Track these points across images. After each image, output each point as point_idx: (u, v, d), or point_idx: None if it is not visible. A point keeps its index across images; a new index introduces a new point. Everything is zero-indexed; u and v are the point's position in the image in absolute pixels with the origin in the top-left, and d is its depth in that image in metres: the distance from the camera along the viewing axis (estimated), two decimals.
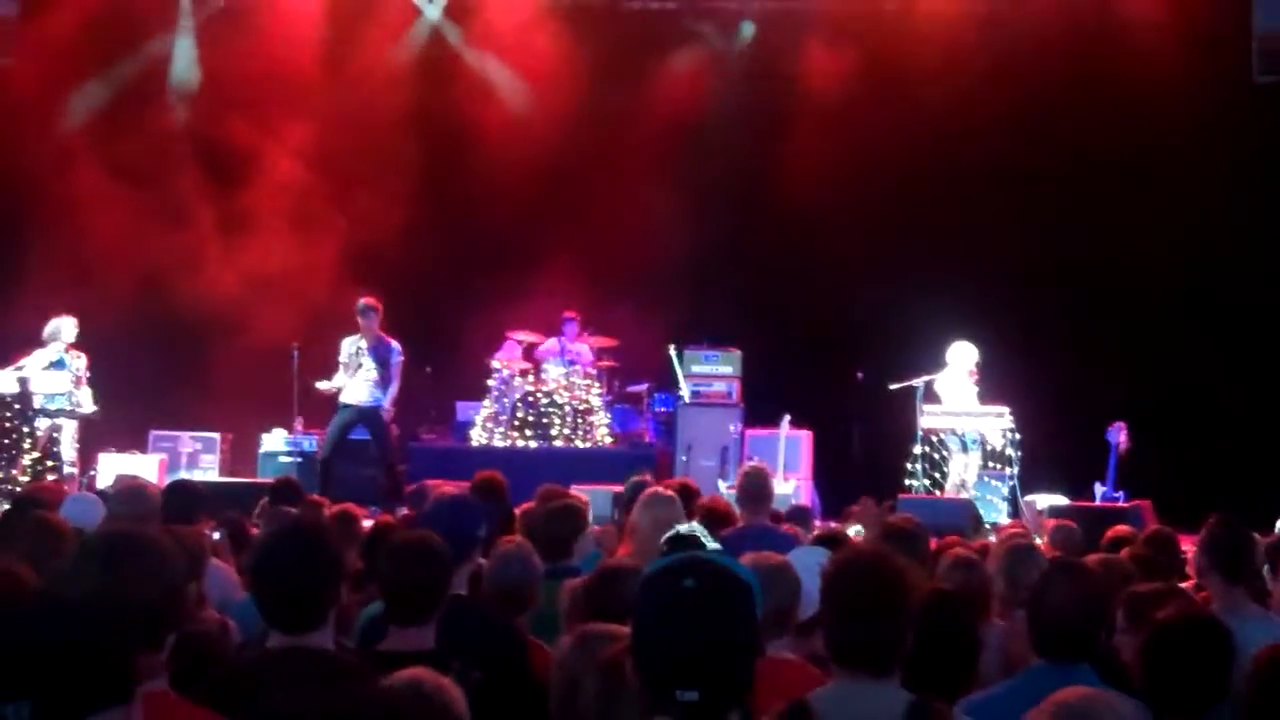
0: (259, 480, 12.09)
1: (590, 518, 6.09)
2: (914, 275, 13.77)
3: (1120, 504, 11.16)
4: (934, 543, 5.89)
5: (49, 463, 11.89)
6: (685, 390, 13.67)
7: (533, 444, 13.24)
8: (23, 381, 11.87)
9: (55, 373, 12.06)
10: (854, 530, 8.14)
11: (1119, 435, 11.73)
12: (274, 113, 14.55)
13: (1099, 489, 11.76)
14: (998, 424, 11.83)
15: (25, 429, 11.81)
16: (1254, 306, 13.80)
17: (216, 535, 6.47)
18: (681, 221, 14.03)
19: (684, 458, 13.29)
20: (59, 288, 12.99)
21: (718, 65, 15.36)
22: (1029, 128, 14.05)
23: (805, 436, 13.21)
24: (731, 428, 13.33)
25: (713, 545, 3.59)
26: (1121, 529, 7.14)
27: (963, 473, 11.92)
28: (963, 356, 12.12)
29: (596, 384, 13.69)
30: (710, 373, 13.68)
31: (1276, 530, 7.72)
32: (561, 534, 5.51)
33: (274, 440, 13.68)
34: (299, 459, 13.33)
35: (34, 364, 12.04)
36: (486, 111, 14.89)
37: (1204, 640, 3.68)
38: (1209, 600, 4.92)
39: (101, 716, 2.20)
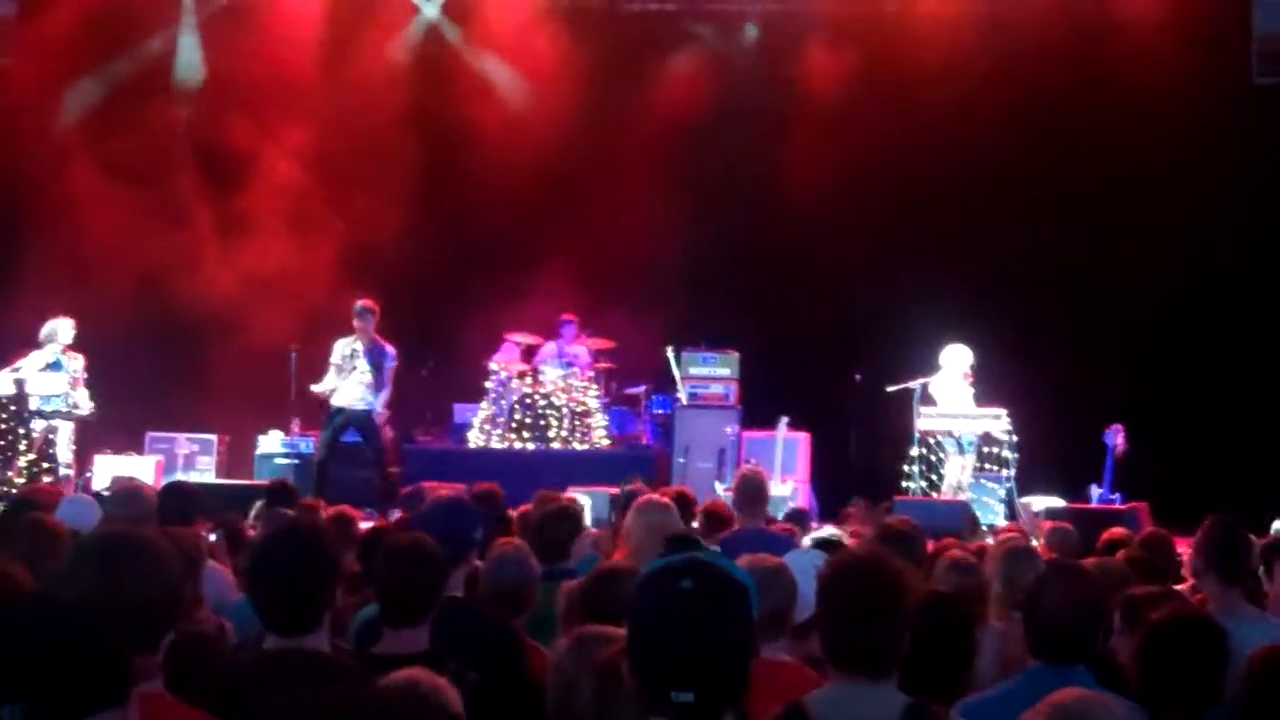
0: (256, 482, 12.07)
1: (588, 520, 6.10)
2: (912, 277, 13.77)
3: (1117, 506, 11.17)
4: (931, 545, 5.90)
5: (45, 464, 11.89)
6: (683, 392, 13.67)
7: (530, 446, 13.24)
8: (19, 383, 11.86)
9: (52, 374, 12.05)
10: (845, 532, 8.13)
11: (1116, 437, 11.74)
12: (272, 113, 14.54)
13: (1095, 491, 11.77)
14: (994, 426, 11.84)
15: (21, 430, 11.80)
16: (1251, 309, 13.80)
17: (213, 537, 6.46)
18: (679, 223, 14.03)
19: (681, 460, 13.28)
20: (56, 288, 12.99)
21: (717, 67, 15.35)
22: (1029, 129, 14.05)
23: (802, 438, 13.20)
24: (729, 429, 13.32)
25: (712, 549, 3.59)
26: (1117, 531, 7.14)
27: (959, 475, 11.92)
28: (956, 359, 12.12)
29: (594, 386, 13.69)
30: (708, 375, 13.68)
31: (1272, 531, 7.74)
32: (558, 536, 5.52)
33: (271, 442, 13.66)
34: (296, 461, 13.31)
35: (30, 365, 12.03)
36: (485, 113, 14.87)
37: (1199, 641, 3.68)
38: (1204, 603, 4.93)
39: (97, 718, 2.20)
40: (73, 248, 13.76)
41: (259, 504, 7.65)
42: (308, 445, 13.40)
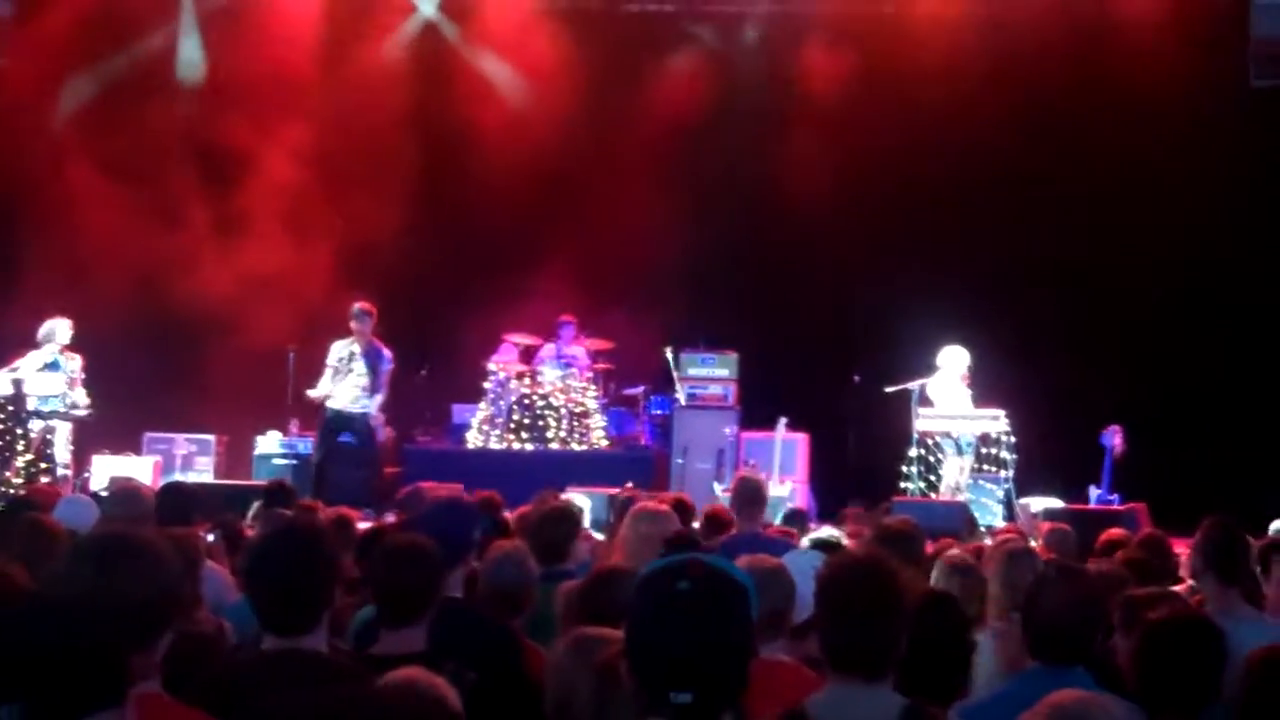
0: (254, 482, 12.06)
1: (587, 521, 6.09)
2: (911, 277, 13.77)
3: (1115, 507, 11.17)
4: (929, 546, 5.90)
5: (43, 464, 11.89)
6: (681, 393, 13.67)
7: (528, 446, 13.23)
8: (17, 383, 11.86)
9: (49, 374, 12.05)
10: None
11: (1114, 438, 11.74)
12: (271, 112, 14.52)
13: (1094, 492, 11.77)
14: (993, 427, 11.84)
15: (19, 431, 11.80)
16: (1250, 310, 13.81)
17: (211, 537, 6.45)
18: (679, 224, 14.03)
19: (680, 460, 13.29)
20: (54, 288, 12.98)
21: (716, 68, 15.34)
22: (1028, 130, 14.05)
23: (801, 439, 13.20)
24: (727, 430, 13.32)
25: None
26: (1115, 532, 7.14)
27: (958, 475, 11.92)
28: (953, 360, 12.12)
29: (592, 387, 13.69)
30: (706, 375, 13.68)
31: (1270, 532, 7.73)
32: (556, 537, 5.52)
33: (269, 442, 13.64)
34: (294, 461, 13.30)
35: (28, 366, 12.03)
36: (484, 113, 14.86)
37: (1197, 641, 3.68)
38: (1202, 603, 4.92)
39: (95, 718, 2.20)
40: (70, 247, 13.74)
41: (257, 504, 7.65)
42: (306, 446, 13.38)
